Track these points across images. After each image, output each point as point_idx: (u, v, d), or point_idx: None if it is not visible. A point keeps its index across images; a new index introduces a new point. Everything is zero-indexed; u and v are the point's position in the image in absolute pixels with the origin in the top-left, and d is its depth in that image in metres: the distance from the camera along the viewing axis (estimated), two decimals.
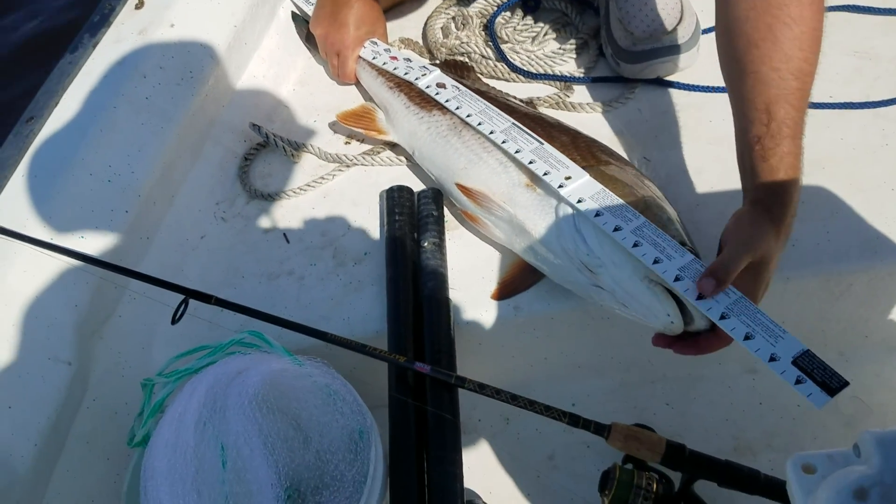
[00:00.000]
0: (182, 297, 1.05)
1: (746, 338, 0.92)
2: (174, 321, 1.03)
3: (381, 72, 1.47)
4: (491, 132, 1.23)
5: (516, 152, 1.18)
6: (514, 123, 1.23)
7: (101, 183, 1.23)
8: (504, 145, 1.20)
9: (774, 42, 0.99)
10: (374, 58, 1.48)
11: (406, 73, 1.41)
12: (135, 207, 1.24)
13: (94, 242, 1.18)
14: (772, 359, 0.90)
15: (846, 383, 0.87)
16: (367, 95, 1.54)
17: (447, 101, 1.31)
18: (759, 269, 0.97)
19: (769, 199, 0.98)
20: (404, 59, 1.46)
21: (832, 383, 0.87)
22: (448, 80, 1.37)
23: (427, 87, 1.36)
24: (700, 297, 0.95)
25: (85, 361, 1.14)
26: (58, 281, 1.13)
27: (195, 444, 0.83)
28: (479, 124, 1.25)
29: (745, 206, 1.01)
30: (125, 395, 1.15)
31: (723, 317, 0.93)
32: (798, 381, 0.88)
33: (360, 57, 1.52)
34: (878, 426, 1.12)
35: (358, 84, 1.57)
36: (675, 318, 0.99)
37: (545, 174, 1.14)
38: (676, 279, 0.98)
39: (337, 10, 1.52)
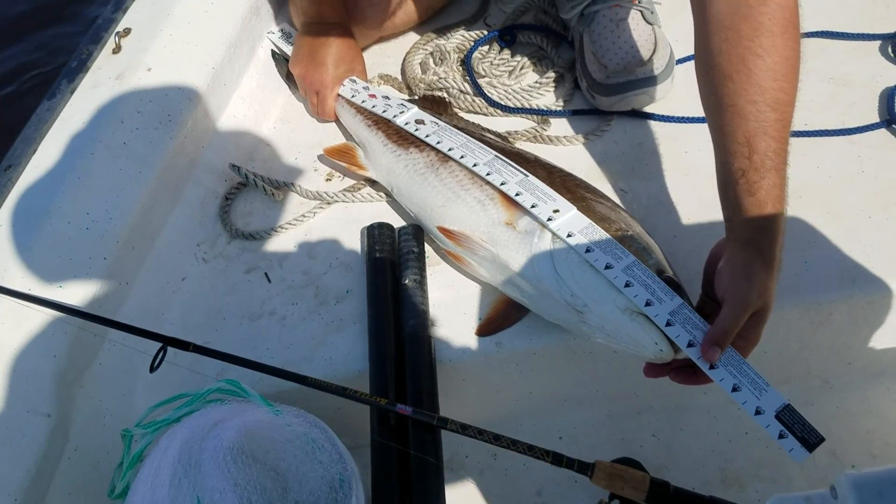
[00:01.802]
0: (160, 344, 1.05)
1: (734, 389, 0.94)
2: (152, 369, 1.03)
3: (360, 110, 1.47)
4: (474, 165, 1.23)
5: (501, 184, 1.18)
6: (496, 156, 1.24)
7: (79, 231, 1.22)
8: (489, 177, 1.20)
9: (748, 74, 1.00)
10: (352, 96, 1.49)
11: (384, 111, 1.42)
12: (113, 254, 1.23)
13: (73, 291, 1.17)
14: (757, 412, 0.93)
15: (822, 439, 0.92)
16: (347, 133, 1.54)
17: (427, 136, 1.32)
18: (760, 315, 0.97)
19: (759, 236, 0.98)
20: (382, 96, 1.47)
21: (811, 439, 0.91)
22: (427, 117, 1.38)
23: (406, 123, 1.36)
24: (690, 344, 0.97)
25: (65, 411, 1.12)
26: (36, 332, 1.12)
27: (171, 499, 0.82)
28: (462, 157, 1.25)
29: (735, 246, 1.00)
30: (107, 443, 1.14)
31: (711, 366, 0.96)
32: (781, 436, 0.91)
33: (339, 95, 1.53)
34: (864, 454, 1.14)
35: (338, 121, 1.57)
36: (664, 345, 0.99)
37: (532, 206, 1.14)
38: (668, 324, 0.99)
39: (315, 49, 1.53)
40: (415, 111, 1.40)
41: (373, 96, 1.47)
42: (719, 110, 1.03)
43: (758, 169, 0.98)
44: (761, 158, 0.98)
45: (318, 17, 1.50)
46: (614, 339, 1.03)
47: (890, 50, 1.39)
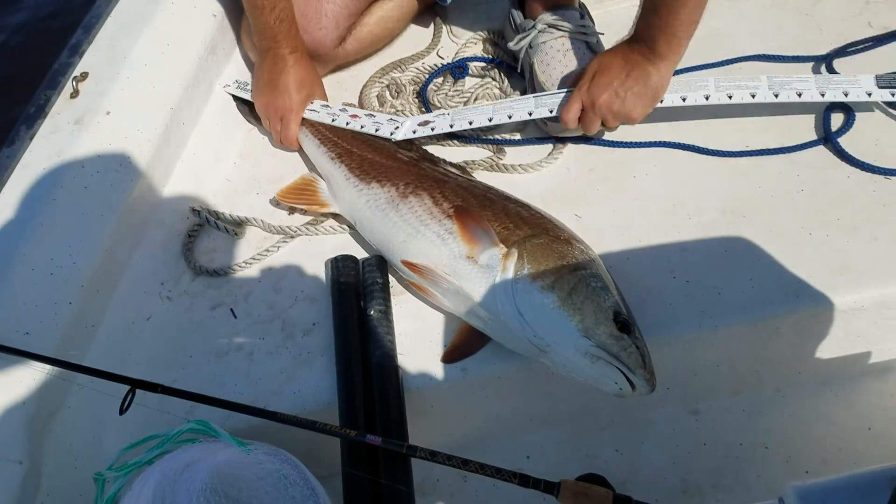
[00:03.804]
0: (128, 387, 1.06)
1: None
2: (122, 412, 1.04)
3: (324, 140, 1.49)
4: (510, 116, 1.41)
5: (510, 118, 1.40)
6: (498, 101, 1.45)
7: (43, 277, 1.23)
8: (511, 120, 1.41)
9: None
10: (333, 119, 1.51)
11: (377, 130, 1.45)
12: (78, 298, 1.24)
13: (39, 337, 1.18)
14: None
15: None
16: (310, 164, 1.57)
17: (452, 125, 1.43)
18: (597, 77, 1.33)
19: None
20: (366, 114, 1.48)
21: None
22: (428, 116, 1.41)
23: (414, 132, 1.40)
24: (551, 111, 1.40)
25: (36, 457, 1.13)
26: (4, 381, 1.13)
27: None
28: (491, 119, 1.43)
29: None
30: (79, 487, 1.14)
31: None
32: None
33: (305, 120, 1.55)
34: (817, 459, 1.18)
35: (300, 151, 1.59)
36: (623, 385, 1.04)
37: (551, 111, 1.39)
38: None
39: (275, 77, 1.55)
40: (412, 119, 1.43)
41: (355, 116, 1.49)
42: None
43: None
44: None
45: (273, 45, 1.52)
46: (575, 374, 1.07)
47: (824, 69, 1.46)
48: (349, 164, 1.42)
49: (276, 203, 1.51)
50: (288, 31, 1.51)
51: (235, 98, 1.71)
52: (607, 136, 1.45)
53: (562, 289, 1.08)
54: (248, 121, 1.70)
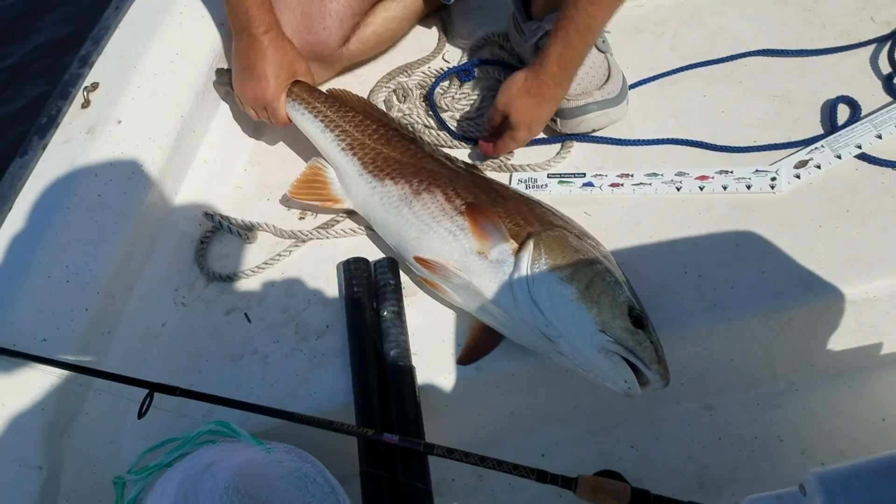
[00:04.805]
0: (146, 391, 1.07)
1: None
2: (140, 415, 1.05)
3: (329, 125, 1.46)
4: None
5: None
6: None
7: (59, 284, 1.25)
8: None
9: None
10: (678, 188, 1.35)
11: (749, 187, 1.30)
12: (94, 304, 1.25)
13: (56, 344, 1.19)
14: None
15: None
16: (313, 150, 1.53)
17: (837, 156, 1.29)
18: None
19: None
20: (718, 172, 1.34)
21: None
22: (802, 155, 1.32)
23: (797, 177, 1.29)
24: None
25: (56, 463, 1.14)
26: (23, 387, 1.14)
27: None
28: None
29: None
30: (98, 492, 1.16)
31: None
32: None
33: (307, 101, 1.51)
34: (832, 451, 1.19)
35: (304, 146, 1.58)
36: (632, 384, 1.04)
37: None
38: None
39: (252, 63, 1.50)
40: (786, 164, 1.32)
41: (704, 178, 1.34)
42: None
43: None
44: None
45: (247, 24, 1.46)
46: (585, 369, 1.08)
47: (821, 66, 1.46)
48: (363, 158, 1.40)
49: (287, 206, 1.52)
50: (260, 4, 1.46)
51: (216, 84, 1.68)
52: (615, 133, 1.46)
53: (580, 281, 1.09)
54: (223, 100, 1.68)
